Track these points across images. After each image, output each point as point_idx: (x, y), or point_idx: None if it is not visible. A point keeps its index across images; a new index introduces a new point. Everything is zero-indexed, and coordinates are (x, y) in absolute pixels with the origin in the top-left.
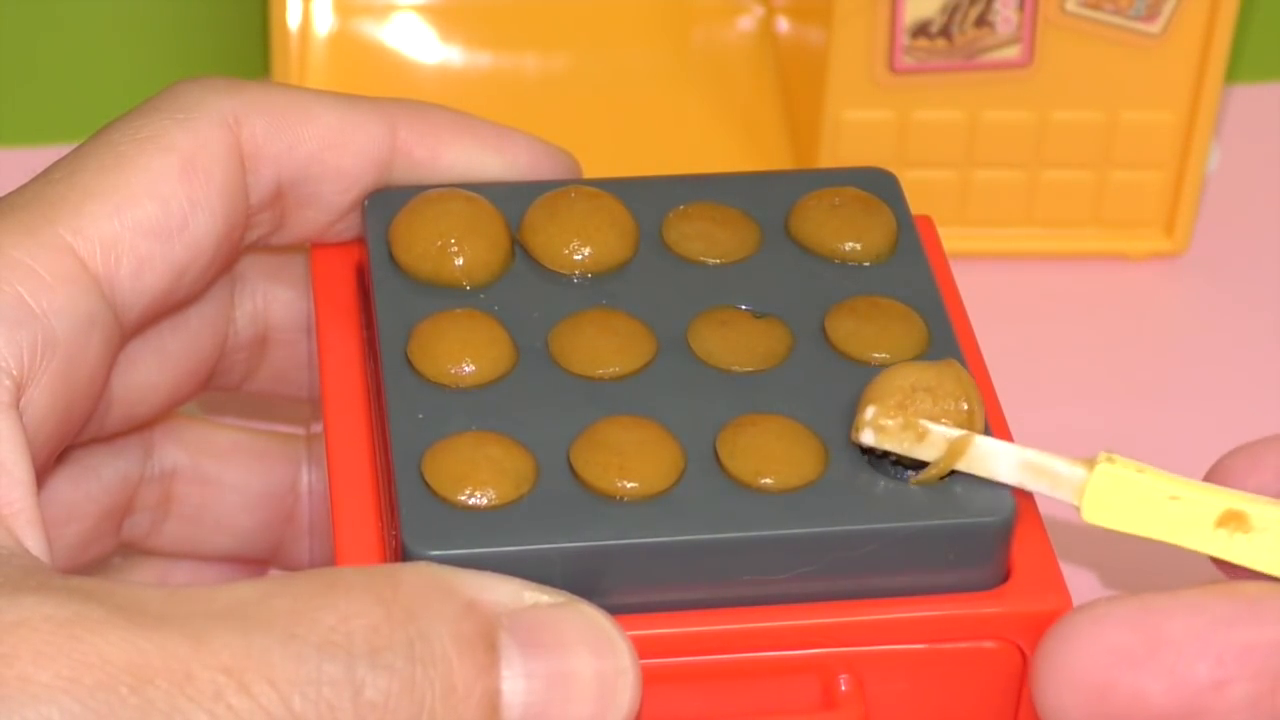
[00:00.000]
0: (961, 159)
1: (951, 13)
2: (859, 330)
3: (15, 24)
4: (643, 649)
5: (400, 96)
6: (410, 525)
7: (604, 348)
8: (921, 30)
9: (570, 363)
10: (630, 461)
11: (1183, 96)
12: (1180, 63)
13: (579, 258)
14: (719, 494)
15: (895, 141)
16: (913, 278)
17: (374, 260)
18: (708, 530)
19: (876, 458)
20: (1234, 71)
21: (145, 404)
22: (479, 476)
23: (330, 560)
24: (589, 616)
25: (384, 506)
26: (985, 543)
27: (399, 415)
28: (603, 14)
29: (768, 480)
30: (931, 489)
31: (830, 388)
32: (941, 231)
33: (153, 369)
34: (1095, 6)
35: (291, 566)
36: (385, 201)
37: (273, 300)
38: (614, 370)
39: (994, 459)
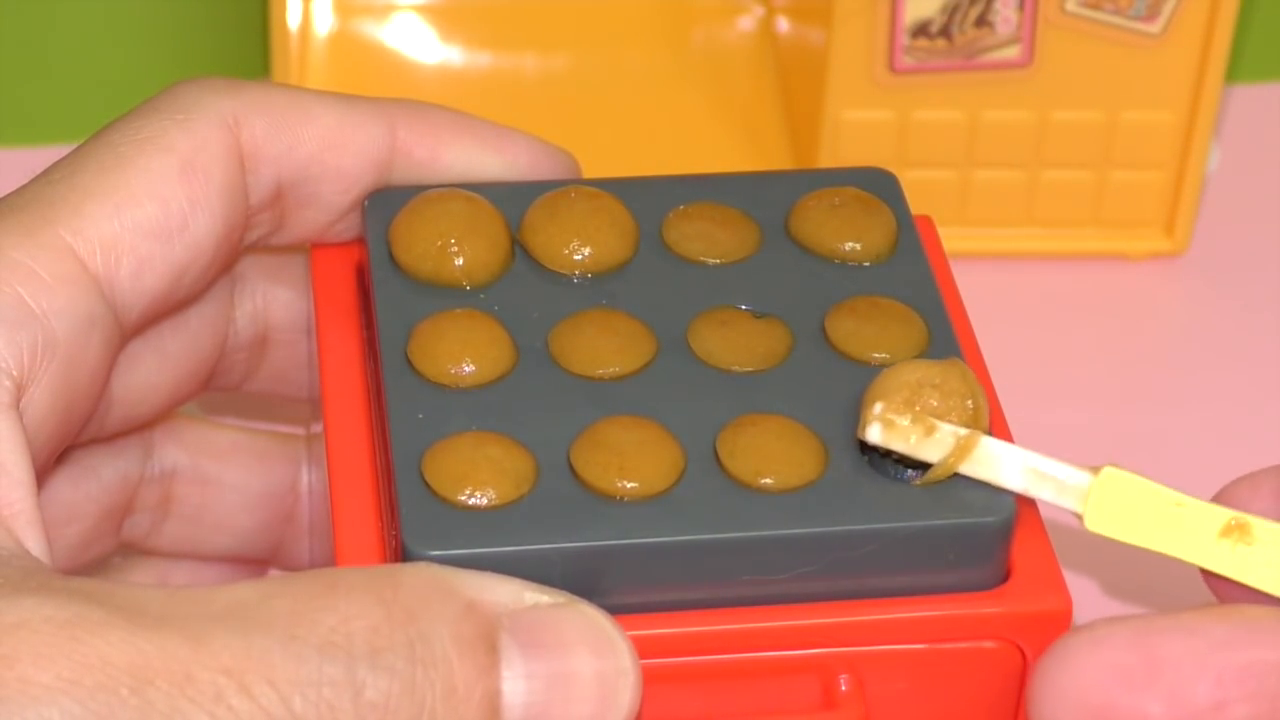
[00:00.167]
0: (961, 159)
1: (951, 13)
2: (859, 330)
3: (15, 24)
4: (643, 649)
5: (400, 96)
6: (410, 525)
7: (604, 348)
8: (921, 30)
9: (570, 363)
10: (630, 461)
11: (1183, 96)
12: (1180, 63)
13: (579, 258)
14: (719, 494)
15: (895, 141)
16: (913, 278)
17: (374, 260)
18: (708, 530)
19: (877, 458)
20: (1234, 71)
21: (145, 404)
22: (479, 476)
23: (330, 560)
24: (589, 617)
25: (384, 506)
26: (985, 542)
27: (399, 415)
28: (602, 14)
29: (768, 480)
30: (931, 489)
31: (830, 388)
32: (941, 231)
33: (153, 369)
34: (1095, 6)
35: (291, 567)
36: (385, 201)
37: (273, 300)
38: (614, 370)
39: (998, 462)
